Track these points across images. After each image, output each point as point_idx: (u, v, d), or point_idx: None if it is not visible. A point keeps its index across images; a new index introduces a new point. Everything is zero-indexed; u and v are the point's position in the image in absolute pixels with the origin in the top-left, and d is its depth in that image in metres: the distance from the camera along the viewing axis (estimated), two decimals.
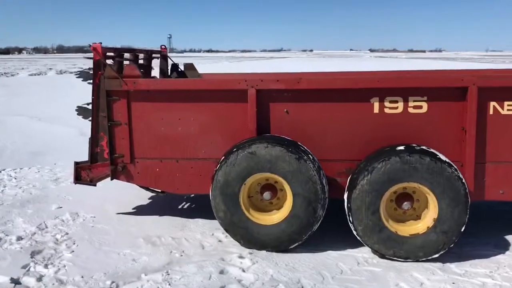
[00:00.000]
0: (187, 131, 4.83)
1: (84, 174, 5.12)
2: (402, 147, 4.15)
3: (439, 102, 4.41)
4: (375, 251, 4.24)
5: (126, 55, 5.80)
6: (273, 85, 4.57)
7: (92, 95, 5.00)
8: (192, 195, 6.03)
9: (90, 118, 5.12)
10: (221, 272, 3.92)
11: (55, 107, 15.28)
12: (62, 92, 20.17)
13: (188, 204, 5.80)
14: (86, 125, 11.53)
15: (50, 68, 43.20)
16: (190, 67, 6.67)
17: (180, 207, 5.73)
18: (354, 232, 4.24)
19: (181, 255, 4.27)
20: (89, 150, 5.11)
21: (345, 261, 4.20)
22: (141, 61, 6.06)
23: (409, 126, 4.45)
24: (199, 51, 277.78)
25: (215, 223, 5.00)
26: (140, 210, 5.56)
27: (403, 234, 4.15)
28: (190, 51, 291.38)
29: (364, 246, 4.37)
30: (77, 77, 7.76)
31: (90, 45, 4.91)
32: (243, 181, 4.31)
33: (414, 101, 4.43)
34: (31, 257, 4.17)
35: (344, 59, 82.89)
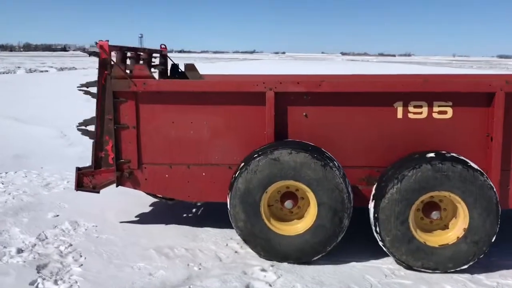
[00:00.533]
0: (200, 135, 4.58)
1: (86, 180, 4.79)
2: (432, 154, 4.00)
3: (464, 108, 4.27)
4: (401, 262, 4.07)
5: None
6: (293, 88, 4.36)
7: (97, 97, 4.68)
8: (199, 202, 5.74)
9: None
10: (247, 287, 3.68)
11: (31, 106, 14.68)
12: (36, 91, 19.46)
13: (194, 212, 5.53)
14: (66, 126, 11.09)
15: (18, 67, 41.86)
16: (190, 67, 6.39)
17: (185, 215, 5.45)
18: (381, 243, 4.06)
19: (199, 268, 4.00)
20: (92, 154, 4.79)
21: (371, 273, 4.01)
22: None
23: (433, 132, 4.30)
24: (170, 51, 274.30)
25: (227, 232, 4.79)
26: (144, 219, 5.26)
27: (432, 244, 4.00)
28: None
29: (387, 256, 4.21)
30: (78, 88, 7.43)
31: (96, 43, 4.59)
32: (264, 189, 4.08)
33: (439, 106, 4.28)
34: (38, 272, 3.84)
35: (317, 62, 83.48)
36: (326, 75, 6.10)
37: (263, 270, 3.97)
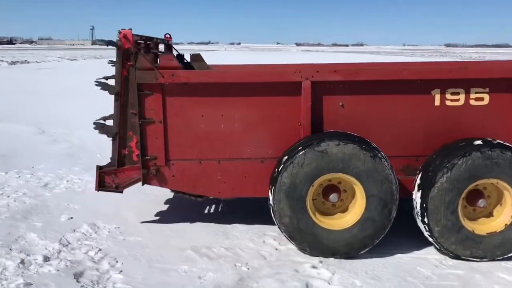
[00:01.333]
0: (231, 128, 4.36)
1: (108, 179, 4.48)
2: (479, 142, 3.95)
3: (501, 94, 4.25)
4: (448, 252, 4.01)
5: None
6: (330, 77, 4.21)
7: (116, 90, 4.37)
8: (212, 197, 5.50)
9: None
10: (307, 286, 3.52)
11: (6, 103, 13.87)
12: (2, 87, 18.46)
13: (214, 208, 5.30)
14: (42, 123, 10.55)
15: None
16: (197, 58, 6.10)
17: (207, 211, 5.22)
18: (426, 233, 3.99)
19: (248, 269, 3.80)
20: (114, 152, 4.48)
21: (421, 264, 3.94)
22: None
23: (470, 119, 4.26)
24: None
25: (257, 228, 4.63)
26: (165, 217, 5.00)
27: (480, 233, 3.96)
28: None
29: (427, 246, 4.19)
30: (96, 85, 7.02)
31: (119, 32, 4.27)
32: (311, 182, 3.92)
33: (476, 92, 4.24)
34: (77, 281, 3.54)
35: (274, 53, 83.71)
36: (359, 63, 5.97)
37: (313, 267, 3.82)
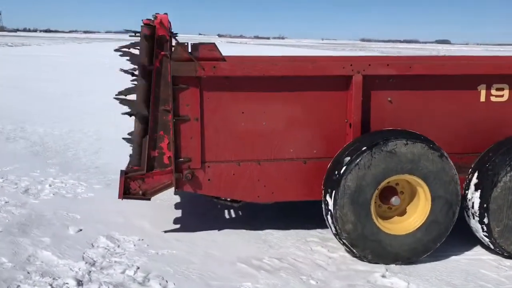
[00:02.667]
0: (273, 126, 3.98)
1: (134, 186, 3.93)
2: None
3: None
4: (503, 252, 3.90)
5: None
6: (383, 71, 3.95)
7: (137, 80, 3.84)
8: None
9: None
10: None
11: None
12: None
13: (232, 211, 4.88)
14: None
15: None
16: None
17: (227, 216, 4.78)
18: (483, 234, 3.86)
19: (317, 282, 3.45)
20: (142, 154, 3.93)
21: (482, 266, 3.81)
22: None
23: None
24: (35, 31, 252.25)
25: (293, 233, 4.33)
26: (185, 225, 4.50)
27: None
28: (24, 30, 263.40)
29: (475, 246, 4.08)
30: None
31: (155, 16, 3.72)
32: (377, 185, 3.64)
33: None
34: None
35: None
36: (406, 56, 5.73)
37: (383, 276, 3.55)
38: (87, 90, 14.36)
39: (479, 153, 4.04)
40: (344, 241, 3.70)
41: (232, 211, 4.90)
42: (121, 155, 6.98)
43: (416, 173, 3.64)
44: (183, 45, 3.76)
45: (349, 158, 3.62)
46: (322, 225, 4.40)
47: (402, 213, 3.90)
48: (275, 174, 4.04)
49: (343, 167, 3.62)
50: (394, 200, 3.75)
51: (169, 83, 3.78)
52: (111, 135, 8.51)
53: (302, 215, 4.71)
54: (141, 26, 3.94)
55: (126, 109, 4.41)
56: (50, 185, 5.55)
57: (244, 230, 4.37)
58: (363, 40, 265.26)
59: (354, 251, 3.72)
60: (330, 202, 3.66)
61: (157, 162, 3.92)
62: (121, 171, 3.94)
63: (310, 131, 4.02)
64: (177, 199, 5.21)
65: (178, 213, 4.82)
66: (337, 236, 3.75)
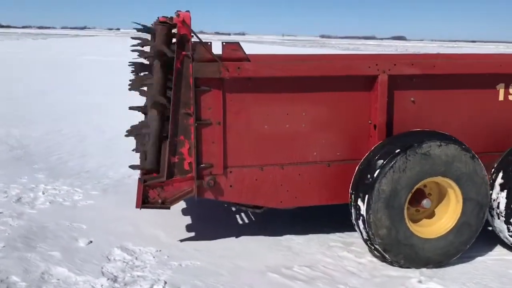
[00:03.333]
0: (296, 128, 3.83)
1: (153, 194, 3.69)
2: None
3: None
4: None
5: None
6: (407, 70, 3.87)
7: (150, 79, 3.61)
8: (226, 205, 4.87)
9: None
10: None
11: None
12: None
13: (244, 217, 4.70)
14: None
15: None
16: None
17: (242, 222, 4.61)
18: (508, 234, 3.85)
19: None
20: (161, 160, 3.70)
21: (510, 267, 3.78)
22: None
23: None
24: None
25: (314, 238, 4.20)
26: (199, 232, 4.28)
27: None
28: None
29: (496, 246, 4.08)
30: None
31: (177, 14, 3.48)
32: (411, 189, 3.55)
33: None
34: None
35: None
36: (427, 54, 5.64)
37: (420, 281, 3.47)
38: (52, 89, 13.75)
39: (500, 152, 4.01)
40: (377, 246, 3.58)
41: (244, 215, 4.73)
42: (110, 159, 6.70)
43: (449, 175, 3.57)
44: (206, 45, 3.54)
45: (382, 161, 3.51)
46: (340, 228, 4.33)
47: (430, 215, 3.83)
48: (299, 178, 3.89)
49: (376, 170, 3.50)
50: (426, 202, 3.67)
51: (190, 85, 3.56)
52: (94, 137, 8.17)
53: (318, 217, 4.59)
54: (156, 23, 3.71)
55: (115, 107, 4.17)
56: (43, 193, 5.21)
57: (262, 237, 4.21)
58: (322, 36, 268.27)
59: (387, 256, 3.61)
60: (363, 207, 3.54)
61: (177, 168, 3.70)
62: (140, 179, 3.69)
63: (334, 133, 3.90)
64: (182, 204, 4.97)
65: (188, 219, 4.60)
66: (369, 242, 3.64)
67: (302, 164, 3.88)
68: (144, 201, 3.68)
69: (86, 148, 7.36)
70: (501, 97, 4.11)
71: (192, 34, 3.54)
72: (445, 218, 3.72)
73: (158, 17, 3.71)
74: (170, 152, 3.65)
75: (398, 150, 3.50)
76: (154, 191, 3.68)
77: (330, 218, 4.50)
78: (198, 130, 3.63)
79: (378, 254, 3.69)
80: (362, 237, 3.68)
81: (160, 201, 3.70)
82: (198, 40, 3.54)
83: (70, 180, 5.73)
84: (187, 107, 3.60)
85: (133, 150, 4.70)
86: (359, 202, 3.57)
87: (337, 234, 4.30)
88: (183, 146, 3.66)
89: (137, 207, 3.69)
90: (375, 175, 3.49)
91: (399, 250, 3.58)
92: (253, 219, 4.66)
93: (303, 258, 3.80)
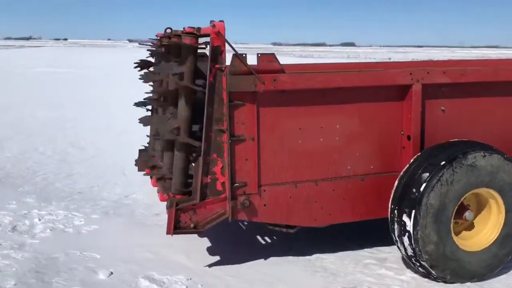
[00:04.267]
0: (330, 142, 3.67)
1: (185, 218, 3.42)
2: None
3: None
4: None
5: None
6: (440, 79, 3.79)
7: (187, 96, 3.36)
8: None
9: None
10: None
11: None
12: None
13: (265, 237, 4.47)
14: None
15: None
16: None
17: (263, 241, 4.37)
18: None
19: None
20: (194, 181, 3.44)
21: None
22: None
23: None
24: None
25: (345, 256, 4.08)
26: (224, 256, 4.01)
27: None
28: None
29: None
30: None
31: (213, 25, 3.23)
32: (457, 201, 3.44)
33: None
34: None
35: (108, 49, 79.67)
36: (452, 60, 5.54)
37: None
38: (17, 103, 13.02)
39: None
40: (423, 263, 3.44)
41: (264, 235, 4.49)
42: (100, 178, 6.30)
43: (493, 186, 3.49)
44: (241, 57, 3.31)
45: (427, 174, 3.38)
46: (367, 243, 4.23)
47: (468, 227, 3.73)
48: (333, 193, 3.72)
49: (422, 184, 3.36)
50: (468, 214, 3.57)
51: (224, 100, 3.32)
52: (75, 154, 7.71)
53: (339, 232, 4.40)
54: (182, 34, 3.46)
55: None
56: (39, 219, 4.79)
57: (291, 257, 4.00)
58: (274, 44, 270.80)
59: (433, 272, 3.47)
60: (409, 223, 3.39)
61: (210, 189, 3.44)
62: (170, 201, 3.40)
63: (367, 146, 3.76)
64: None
65: (206, 242, 4.32)
66: (413, 258, 3.49)
67: (336, 179, 3.71)
68: (177, 226, 3.39)
69: (71, 167, 6.91)
70: None
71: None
72: (486, 229, 3.63)
73: (184, 28, 3.46)
74: (203, 171, 3.38)
75: (444, 162, 3.38)
76: (186, 214, 3.41)
77: (352, 232, 4.35)
78: (231, 147, 3.39)
79: (422, 271, 3.55)
80: (406, 253, 3.53)
81: (192, 225, 3.43)
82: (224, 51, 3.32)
83: (64, 203, 5.32)
84: (220, 123, 3.36)
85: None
86: (404, 218, 3.42)
87: (366, 249, 4.15)
88: (216, 165, 3.41)
89: (168, 233, 3.40)
90: (421, 189, 3.36)
91: (446, 266, 3.46)
92: (275, 238, 4.43)
93: (344, 279, 3.61)
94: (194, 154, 3.70)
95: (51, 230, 4.53)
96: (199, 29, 3.44)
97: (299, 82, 3.45)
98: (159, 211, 5.12)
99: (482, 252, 3.56)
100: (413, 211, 3.36)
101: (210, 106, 3.33)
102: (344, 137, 3.68)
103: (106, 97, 14.60)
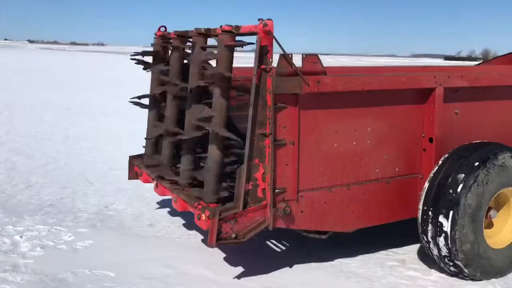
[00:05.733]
0: (362, 145, 3.64)
1: (226, 228, 3.20)
2: None
3: None
4: None
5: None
6: (458, 82, 3.91)
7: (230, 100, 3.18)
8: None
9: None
10: None
11: None
12: None
13: (276, 243, 4.33)
14: None
15: None
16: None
17: (278, 249, 4.23)
18: None
19: None
20: (236, 187, 3.23)
21: None
22: None
23: None
24: None
25: (367, 259, 4.07)
26: (248, 267, 3.80)
27: None
28: None
29: None
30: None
31: (263, 23, 3.05)
32: (489, 201, 3.55)
33: None
34: None
35: (7, 50, 74.41)
36: (457, 66, 5.58)
37: None
38: None
39: None
40: (458, 262, 3.50)
41: (275, 241, 4.35)
42: (64, 189, 5.77)
43: None
44: (288, 57, 3.16)
45: (463, 175, 3.45)
46: (379, 244, 4.19)
47: (488, 225, 3.86)
48: (363, 197, 3.69)
49: (459, 185, 3.42)
50: (493, 213, 3.70)
51: (267, 102, 3.16)
52: (25, 163, 7.02)
53: (344, 235, 4.37)
54: (221, 33, 3.24)
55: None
56: (20, 236, 4.27)
57: (315, 264, 3.90)
58: None
59: (466, 271, 3.55)
60: (446, 223, 3.43)
61: (251, 196, 3.25)
62: (214, 211, 3.16)
63: (392, 148, 3.78)
64: (197, 234, 4.44)
65: (219, 252, 4.08)
66: (447, 258, 3.54)
67: (365, 182, 3.69)
68: (220, 237, 3.16)
69: (26, 178, 6.26)
70: None
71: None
72: (507, 226, 3.78)
73: (221, 26, 3.24)
74: (246, 178, 3.19)
75: (477, 163, 3.47)
76: (227, 224, 3.19)
77: (359, 234, 4.33)
78: (274, 152, 3.23)
79: (454, 270, 3.60)
80: (438, 254, 3.57)
81: (233, 235, 3.22)
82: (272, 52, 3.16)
83: (39, 217, 4.79)
84: (263, 127, 3.19)
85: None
86: (441, 219, 3.46)
87: (382, 252, 4.17)
88: (257, 171, 3.23)
89: (210, 243, 3.16)
90: (458, 189, 3.41)
91: (478, 264, 3.55)
92: (288, 244, 4.30)
93: (380, 283, 3.58)
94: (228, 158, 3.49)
95: (41, 247, 4.05)
96: (238, 27, 3.24)
97: (340, 84, 3.37)
98: (151, 221, 4.80)
99: (506, 249, 3.70)
100: (451, 211, 3.41)
101: (254, 109, 3.15)
102: (374, 140, 3.67)
103: (28, 101, 13.60)
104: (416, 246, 4.28)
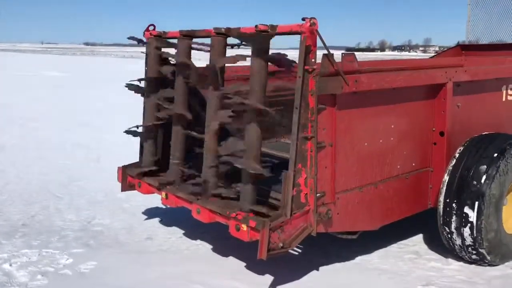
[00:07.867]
0: (387, 142, 3.67)
1: (274, 238, 3.05)
2: None
3: None
4: None
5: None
6: (464, 77, 4.05)
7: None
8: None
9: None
10: None
11: None
12: None
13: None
14: None
15: None
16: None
17: (295, 252, 4.13)
18: None
19: None
20: (283, 194, 3.08)
21: None
22: None
23: None
24: None
25: (385, 253, 4.12)
26: (277, 275, 3.67)
27: None
28: None
29: None
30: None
31: (312, 22, 2.91)
32: (508, 190, 3.70)
33: None
34: None
35: None
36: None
37: None
38: None
39: None
40: (482, 250, 3.63)
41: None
42: (33, 204, 5.26)
43: None
44: (331, 57, 3.06)
45: (485, 166, 3.57)
46: (383, 235, 4.20)
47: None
48: (386, 194, 3.71)
49: (482, 175, 3.55)
50: (505, 201, 3.87)
51: (309, 104, 3.05)
52: None
53: None
54: (257, 32, 3.07)
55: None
56: (10, 265, 3.80)
57: (339, 264, 3.86)
58: (87, 44, 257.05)
59: (489, 258, 3.68)
60: (472, 214, 3.54)
61: (295, 202, 3.12)
62: (264, 222, 2.99)
63: (410, 144, 3.85)
64: (201, 242, 4.22)
65: (235, 260, 3.91)
66: (470, 247, 3.65)
67: (389, 179, 3.71)
68: (270, 248, 3.00)
69: None
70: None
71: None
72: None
73: (256, 25, 3.05)
74: (292, 184, 3.06)
75: (496, 153, 3.61)
76: (275, 234, 3.04)
77: None
78: (316, 155, 3.13)
79: (475, 258, 3.73)
80: (462, 243, 3.67)
81: (280, 244, 3.08)
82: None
83: (17, 240, 4.30)
84: (305, 129, 3.07)
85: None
86: (466, 210, 3.56)
87: (394, 245, 4.23)
88: (300, 176, 3.12)
89: (260, 256, 2.99)
90: (482, 180, 3.53)
91: (499, 250, 3.71)
92: (301, 246, 4.21)
93: (410, 277, 3.61)
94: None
95: (42, 275, 3.62)
96: (273, 26, 3.07)
97: (373, 83, 3.34)
98: (148, 234, 4.50)
99: None
100: (477, 202, 3.52)
101: (298, 111, 3.02)
102: (396, 137, 3.69)
103: None
104: (421, 236, 4.40)
